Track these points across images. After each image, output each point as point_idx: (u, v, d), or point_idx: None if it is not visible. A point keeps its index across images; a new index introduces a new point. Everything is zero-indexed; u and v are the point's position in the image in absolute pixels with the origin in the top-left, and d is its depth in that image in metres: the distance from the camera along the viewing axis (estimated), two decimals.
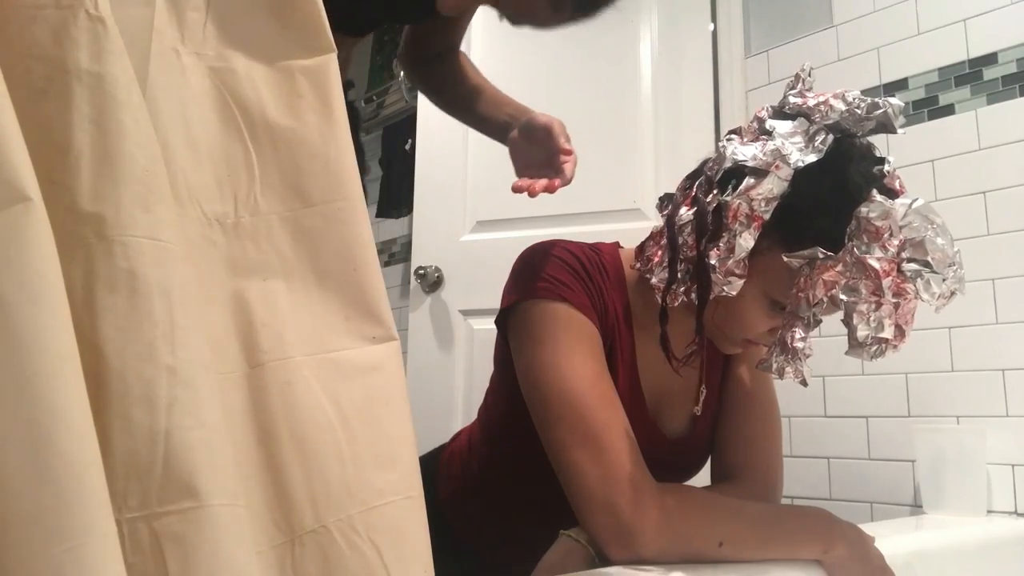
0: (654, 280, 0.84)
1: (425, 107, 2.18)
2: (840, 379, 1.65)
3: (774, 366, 0.77)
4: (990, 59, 1.54)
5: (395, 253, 2.68)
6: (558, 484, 0.79)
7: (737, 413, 0.98)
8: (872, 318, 0.73)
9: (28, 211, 0.34)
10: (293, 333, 0.46)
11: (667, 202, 0.87)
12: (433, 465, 1.06)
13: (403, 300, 2.40)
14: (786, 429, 1.50)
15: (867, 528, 0.85)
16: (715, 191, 0.79)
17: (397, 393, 0.49)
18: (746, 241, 0.77)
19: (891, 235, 0.73)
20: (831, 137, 0.77)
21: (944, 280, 0.73)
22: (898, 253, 0.73)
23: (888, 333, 0.73)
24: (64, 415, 0.33)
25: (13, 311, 0.33)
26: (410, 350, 2.14)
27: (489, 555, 1.00)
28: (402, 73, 1.22)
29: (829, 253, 0.74)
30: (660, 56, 1.98)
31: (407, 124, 2.55)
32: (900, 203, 0.73)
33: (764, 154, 0.77)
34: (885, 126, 0.78)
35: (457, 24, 1.17)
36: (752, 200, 0.76)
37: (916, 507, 1.52)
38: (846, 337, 0.74)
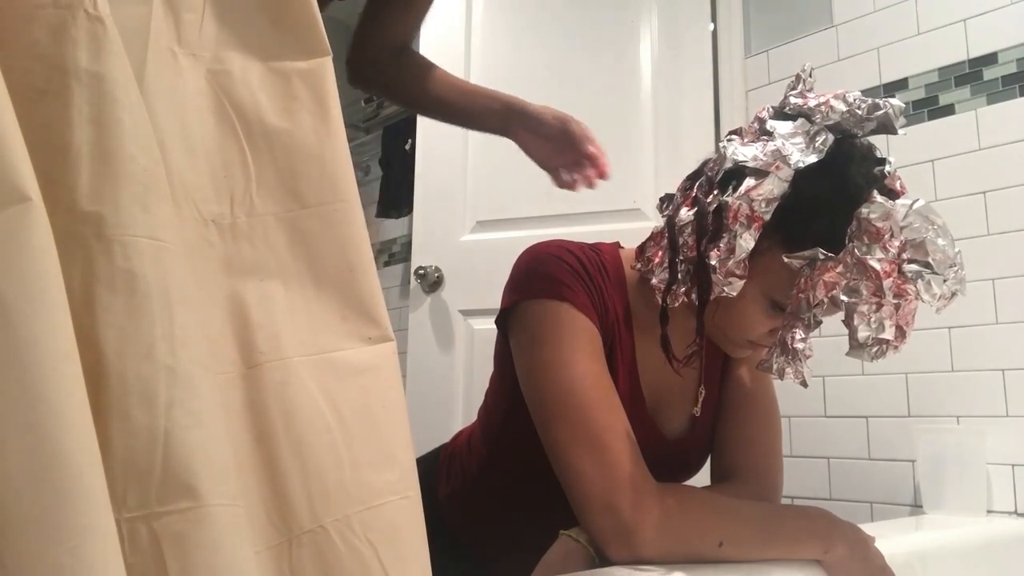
0: (654, 280, 0.84)
1: None
2: (840, 379, 1.65)
3: (774, 367, 0.77)
4: (990, 59, 1.54)
5: (395, 253, 2.68)
6: (558, 484, 0.79)
7: (737, 414, 0.98)
8: (873, 319, 0.72)
9: (28, 211, 0.34)
10: (290, 334, 0.46)
11: (667, 202, 0.87)
12: (432, 465, 1.06)
13: (403, 300, 2.40)
14: (786, 429, 1.50)
15: (867, 528, 0.85)
16: (715, 192, 0.79)
17: (394, 393, 0.49)
18: (746, 242, 0.76)
19: (892, 236, 0.72)
20: (832, 138, 0.77)
21: (945, 281, 0.73)
22: (899, 254, 0.73)
23: (889, 334, 0.73)
24: (64, 415, 0.33)
25: (13, 311, 0.33)
26: (410, 350, 2.14)
27: (488, 555, 1.00)
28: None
29: (830, 254, 0.74)
30: (660, 56, 1.98)
31: (407, 124, 2.55)
32: (901, 204, 0.73)
33: (765, 155, 0.77)
34: (886, 127, 0.78)
35: (406, 15, 1.13)
36: (753, 201, 0.76)
37: (916, 507, 1.52)
38: (847, 338, 0.74)
